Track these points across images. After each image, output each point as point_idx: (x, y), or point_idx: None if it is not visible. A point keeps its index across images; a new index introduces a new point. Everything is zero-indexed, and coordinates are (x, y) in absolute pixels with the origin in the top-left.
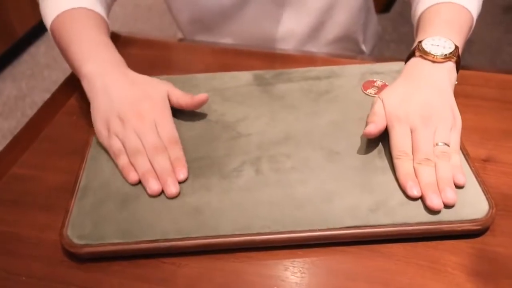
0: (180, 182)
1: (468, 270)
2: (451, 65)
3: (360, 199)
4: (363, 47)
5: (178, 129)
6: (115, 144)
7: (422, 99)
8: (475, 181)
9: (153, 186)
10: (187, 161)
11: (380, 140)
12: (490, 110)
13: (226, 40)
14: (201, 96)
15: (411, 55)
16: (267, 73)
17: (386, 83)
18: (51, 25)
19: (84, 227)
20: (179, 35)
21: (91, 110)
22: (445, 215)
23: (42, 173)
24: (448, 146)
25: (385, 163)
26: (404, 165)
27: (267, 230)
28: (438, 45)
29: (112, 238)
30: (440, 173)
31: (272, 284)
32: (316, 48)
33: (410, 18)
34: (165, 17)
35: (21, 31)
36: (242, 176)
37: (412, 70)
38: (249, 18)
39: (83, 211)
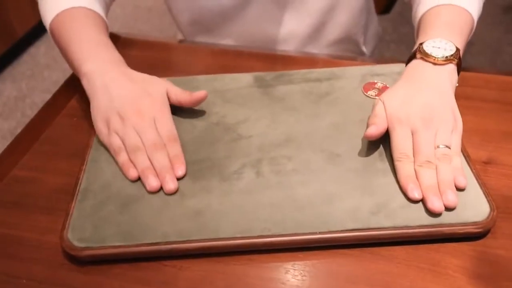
0: (178, 179)
1: (469, 272)
2: (452, 67)
3: (361, 201)
4: (364, 49)
5: (178, 131)
6: (115, 142)
7: (423, 101)
8: (476, 183)
9: (152, 182)
10: (188, 163)
11: (381, 142)
12: (491, 112)
13: (226, 41)
14: (200, 93)
15: (412, 57)
16: (268, 75)
17: (387, 85)
18: (50, 25)
19: (84, 229)
20: (179, 36)
21: (91, 108)
22: (446, 217)
23: (42, 175)
24: (449, 148)
25: (386, 165)
26: (405, 168)
27: (268, 233)
28: (439, 47)
29: (112, 241)
30: (441, 175)
31: (273, 287)
32: (317, 49)
33: (410, 18)
34: (165, 18)
35: (21, 32)
36: (242, 178)
37: (413, 72)
38: (250, 19)
39: (84, 214)
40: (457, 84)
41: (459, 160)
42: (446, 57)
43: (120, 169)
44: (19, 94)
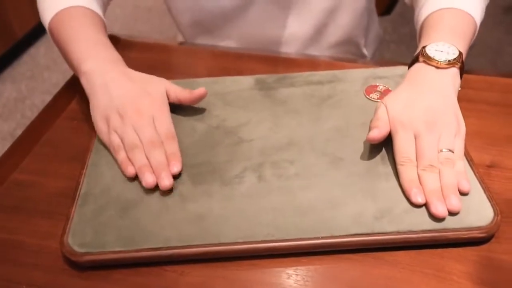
0: (174, 176)
1: (473, 278)
2: (455, 71)
3: (364, 206)
4: (365, 51)
5: (179, 134)
6: (114, 140)
7: (426, 105)
8: (480, 187)
9: (148, 179)
10: (188, 167)
11: (384, 146)
12: (494, 115)
13: (227, 43)
14: (200, 90)
15: (415, 60)
16: (269, 78)
17: (389, 88)
18: (49, 24)
19: (85, 235)
20: (180, 37)
21: (91, 107)
22: (450, 222)
23: (42, 179)
24: (452, 152)
25: (389, 169)
26: (408, 172)
27: (271, 238)
28: (442, 51)
29: (113, 246)
30: (444, 179)
31: None
32: (318, 51)
33: (410, 19)
34: (165, 18)
35: (20, 32)
36: (244, 183)
37: (415, 75)
38: (251, 20)
39: (84, 219)
40: (459, 88)
41: (463, 164)
42: (449, 60)
43: (119, 167)
44: (19, 95)
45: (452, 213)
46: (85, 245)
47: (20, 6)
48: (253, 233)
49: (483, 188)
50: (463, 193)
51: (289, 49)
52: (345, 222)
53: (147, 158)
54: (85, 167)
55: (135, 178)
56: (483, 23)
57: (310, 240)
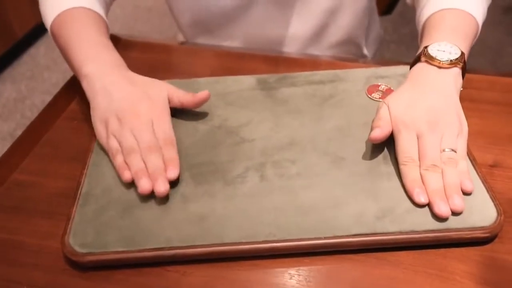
0: (171, 182)
1: (476, 278)
2: (457, 71)
3: (366, 206)
4: (365, 51)
5: (180, 134)
6: (112, 144)
7: (428, 105)
8: (483, 187)
9: (144, 184)
10: (190, 167)
11: (386, 146)
12: (496, 114)
13: (228, 43)
14: (203, 93)
15: (417, 60)
16: (271, 77)
17: (391, 87)
18: (51, 25)
19: (86, 235)
20: (180, 37)
21: (91, 110)
22: (453, 222)
23: (43, 179)
24: (455, 152)
25: (391, 169)
26: (410, 172)
27: (273, 238)
28: (444, 51)
29: (115, 246)
30: (447, 179)
31: None
32: (318, 51)
33: (410, 19)
34: (165, 18)
35: (20, 32)
36: (246, 182)
37: (417, 75)
38: (252, 20)
39: (85, 219)
40: (461, 88)
41: (465, 164)
42: (451, 60)
43: (116, 171)
44: (19, 95)
45: (455, 213)
46: (87, 245)
47: (20, 6)
48: (255, 233)
49: (486, 188)
50: (466, 193)
51: (290, 49)
52: (347, 222)
53: (145, 163)
54: (86, 167)
55: (133, 182)
56: (483, 23)
57: (312, 240)
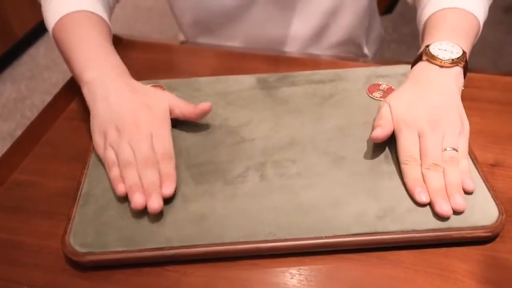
0: (165, 199)
1: (478, 277)
2: (458, 70)
3: (367, 205)
4: (366, 51)
5: (180, 134)
6: (109, 156)
7: (429, 104)
8: (484, 186)
9: (137, 200)
10: (190, 167)
11: (387, 145)
12: (497, 113)
13: (229, 42)
14: (204, 105)
15: (418, 59)
16: (271, 77)
17: (392, 87)
18: (53, 29)
19: (86, 234)
20: (180, 37)
21: (91, 118)
22: (454, 221)
23: (43, 179)
24: (457, 151)
25: (392, 168)
26: (412, 171)
27: (273, 237)
28: (445, 50)
29: (115, 246)
30: (448, 178)
31: None
32: (319, 51)
33: (411, 19)
34: (165, 18)
35: (20, 33)
36: (246, 182)
37: (419, 74)
38: (253, 20)
39: (86, 219)
40: (463, 88)
41: (467, 163)
42: (453, 59)
43: (110, 183)
44: (19, 95)
45: (456, 212)
46: (87, 245)
47: (19, 6)
48: (255, 233)
49: (487, 187)
50: (467, 192)
51: (290, 49)
52: (347, 221)
53: (140, 177)
54: (86, 167)
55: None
56: (484, 22)
57: (312, 240)
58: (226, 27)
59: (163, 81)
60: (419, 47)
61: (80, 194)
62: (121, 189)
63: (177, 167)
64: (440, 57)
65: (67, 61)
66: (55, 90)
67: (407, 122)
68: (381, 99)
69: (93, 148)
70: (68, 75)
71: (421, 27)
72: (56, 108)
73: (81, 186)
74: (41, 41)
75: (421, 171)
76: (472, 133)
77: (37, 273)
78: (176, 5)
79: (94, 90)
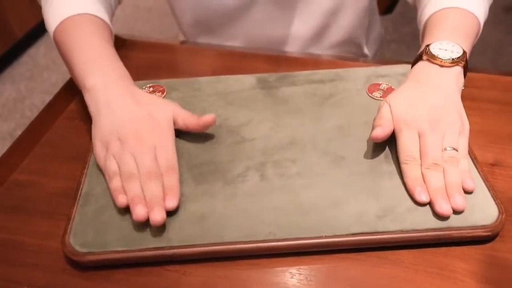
0: (168, 212)
1: (478, 277)
2: (458, 70)
3: (367, 205)
4: (366, 51)
5: (180, 134)
6: (111, 166)
7: (429, 104)
8: (484, 186)
9: (140, 211)
10: (190, 167)
11: (387, 145)
12: (496, 113)
13: (229, 42)
14: (208, 117)
15: (418, 58)
16: (271, 76)
17: (392, 86)
18: (54, 33)
19: (86, 234)
20: (180, 37)
21: (92, 127)
22: (454, 221)
23: (43, 179)
24: (457, 151)
25: (392, 167)
26: (412, 170)
27: (273, 237)
28: (446, 50)
29: (115, 246)
30: (448, 178)
31: None
32: (319, 51)
33: (411, 19)
34: (165, 18)
35: (20, 33)
36: (246, 182)
37: (419, 74)
38: (254, 20)
39: (86, 218)
40: (463, 87)
41: (467, 163)
42: (453, 59)
43: (111, 195)
44: (18, 95)
45: (456, 212)
46: (87, 244)
47: (19, 6)
48: (255, 232)
49: (487, 187)
50: (467, 192)
51: (290, 49)
52: (347, 221)
53: (143, 190)
54: (86, 167)
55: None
56: (484, 22)
57: (312, 240)
58: (227, 27)
59: (163, 81)
60: (419, 47)
61: (80, 194)
62: (122, 200)
63: (178, 167)
64: (441, 57)
65: (68, 65)
66: (55, 90)
67: (407, 121)
68: (381, 98)
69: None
70: (67, 76)
71: (421, 26)
72: (56, 108)
73: (81, 186)
74: (40, 41)
75: (421, 171)
76: (472, 132)
77: (37, 273)
78: (176, 5)
79: (96, 98)
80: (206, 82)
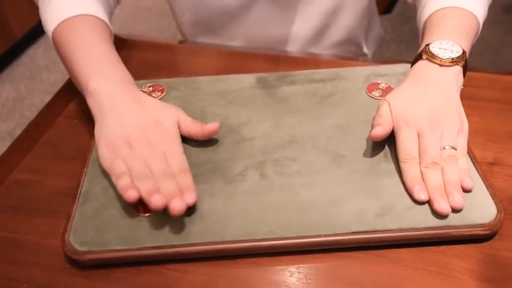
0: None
1: (476, 275)
2: (458, 69)
3: (367, 203)
4: (366, 50)
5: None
6: (119, 167)
7: (429, 103)
8: (483, 184)
9: (157, 200)
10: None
11: (386, 143)
12: (496, 112)
13: (229, 42)
14: (212, 126)
15: (418, 58)
16: (271, 76)
17: (391, 86)
18: (53, 34)
19: (86, 233)
20: (179, 37)
21: (96, 131)
22: (453, 219)
23: (43, 178)
24: (455, 149)
25: (392, 166)
26: (411, 169)
27: (273, 236)
28: (445, 49)
29: (115, 245)
30: (447, 177)
31: None
32: (319, 51)
33: (410, 18)
34: (165, 18)
35: (19, 33)
36: (246, 181)
37: (418, 73)
38: (254, 20)
39: (85, 217)
40: (462, 87)
41: (466, 162)
42: (453, 58)
43: (119, 191)
44: (18, 95)
45: (455, 210)
46: (87, 243)
47: (19, 7)
48: (255, 231)
49: (486, 185)
50: (466, 190)
51: (291, 49)
52: (347, 219)
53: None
54: (86, 165)
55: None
56: (483, 22)
57: (313, 238)
58: (227, 26)
59: (163, 80)
60: (418, 47)
61: (80, 192)
62: (132, 194)
63: None
64: (440, 56)
65: (69, 68)
66: (54, 90)
67: (406, 120)
68: (380, 98)
69: (93, 147)
70: (67, 76)
71: (421, 26)
72: (56, 108)
73: (81, 184)
74: (40, 41)
75: (420, 170)
76: (471, 132)
77: (37, 272)
78: (176, 5)
79: (100, 101)
80: (205, 81)
